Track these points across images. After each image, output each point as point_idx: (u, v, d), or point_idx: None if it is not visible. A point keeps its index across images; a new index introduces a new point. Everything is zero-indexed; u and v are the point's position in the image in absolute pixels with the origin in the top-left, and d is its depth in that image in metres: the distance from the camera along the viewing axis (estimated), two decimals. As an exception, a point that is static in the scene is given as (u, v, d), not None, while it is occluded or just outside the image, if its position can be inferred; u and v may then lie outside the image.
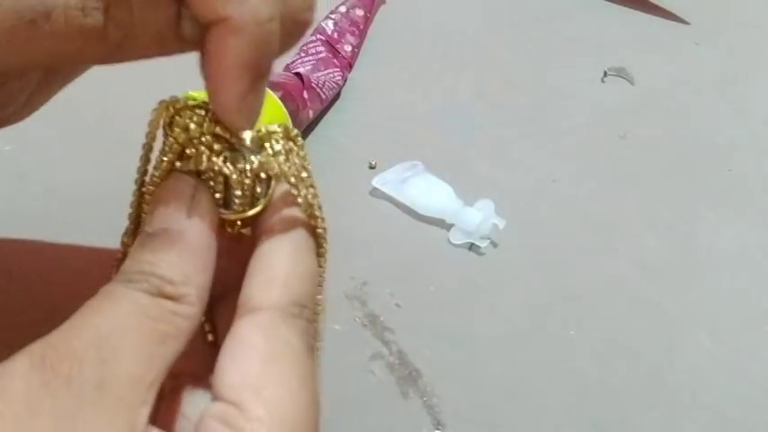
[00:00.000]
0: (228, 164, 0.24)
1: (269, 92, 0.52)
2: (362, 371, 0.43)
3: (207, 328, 0.28)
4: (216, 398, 0.22)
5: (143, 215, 0.25)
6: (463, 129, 0.57)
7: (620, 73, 0.63)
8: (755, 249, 0.52)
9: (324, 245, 0.26)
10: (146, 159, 0.25)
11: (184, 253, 0.23)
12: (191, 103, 0.24)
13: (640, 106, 0.61)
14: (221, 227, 0.25)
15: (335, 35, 0.60)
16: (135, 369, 0.21)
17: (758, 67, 0.65)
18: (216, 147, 0.23)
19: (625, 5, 0.69)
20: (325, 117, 0.57)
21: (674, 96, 0.62)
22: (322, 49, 0.58)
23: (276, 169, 0.24)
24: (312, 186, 0.26)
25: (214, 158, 0.23)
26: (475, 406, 0.42)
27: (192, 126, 0.23)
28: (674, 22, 0.68)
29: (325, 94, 0.56)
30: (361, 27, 0.62)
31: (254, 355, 0.22)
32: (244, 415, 0.21)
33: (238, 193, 0.24)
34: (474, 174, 0.54)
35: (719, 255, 0.51)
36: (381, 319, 0.46)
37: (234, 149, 0.24)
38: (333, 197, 0.52)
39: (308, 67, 0.56)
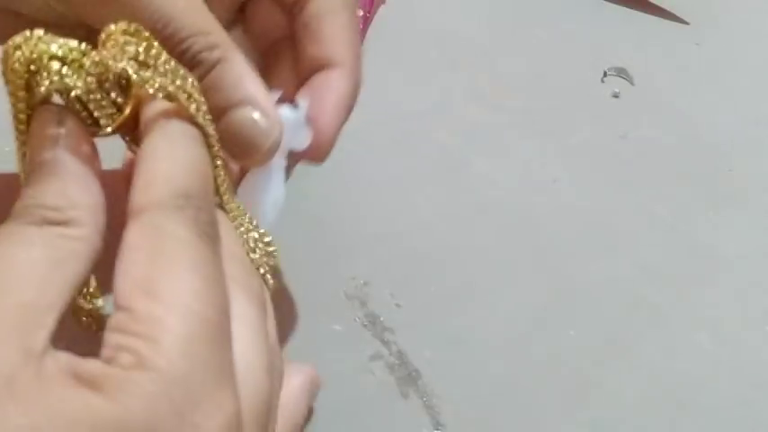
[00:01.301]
0: (69, 77, 0.23)
1: None
2: (362, 371, 0.43)
3: None
4: (114, 308, 0.22)
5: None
6: (463, 128, 0.57)
7: (620, 73, 0.63)
8: (755, 249, 0.52)
9: (210, 133, 0.25)
10: (15, 106, 0.24)
11: (63, 178, 0.22)
12: (24, 34, 0.23)
13: (640, 106, 0.61)
14: (129, 148, 0.25)
15: None
16: (28, 295, 0.21)
17: (758, 67, 0.65)
18: (53, 67, 0.23)
19: (625, 5, 0.69)
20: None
21: (674, 96, 0.62)
22: None
23: (111, 63, 0.23)
24: (172, 72, 0.24)
25: (54, 79, 0.23)
26: (475, 406, 0.42)
27: (26, 55, 0.22)
28: (674, 22, 0.68)
29: None
30: (361, 27, 0.62)
31: (138, 255, 0.22)
32: (134, 317, 0.21)
33: (93, 105, 0.23)
34: (474, 174, 0.54)
35: (719, 255, 0.51)
36: (381, 319, 0.46)
37: (76, 63, 0.23)
38: (332, 196, 0.53)
39: None
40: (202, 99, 0.25)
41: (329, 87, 0.27)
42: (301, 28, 0.28)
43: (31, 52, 0.22)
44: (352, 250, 0.49)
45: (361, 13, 0.62)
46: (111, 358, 0.21)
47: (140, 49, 0.24)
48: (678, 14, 0.68)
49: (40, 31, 0.23)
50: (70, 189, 0.22)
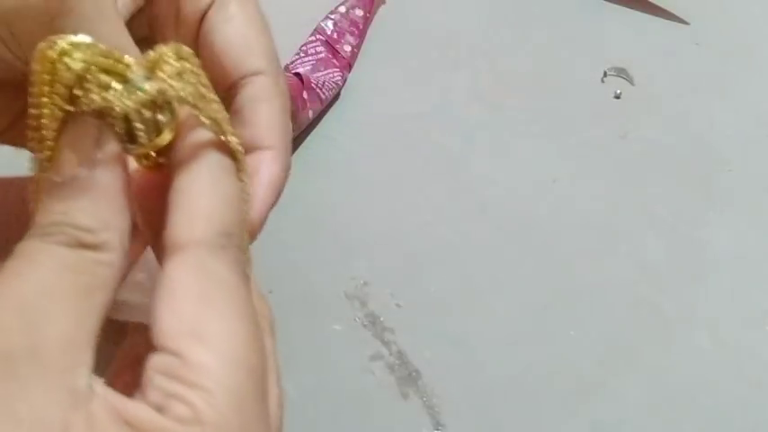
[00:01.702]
0: (122, 97, 0.22)
1: None
2: (362, 371, 0.43)
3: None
4: (156, 348, 0.21)
5: (44, 163, 0.23)
6: (463, 128, 0.57)
7: (620, 73, 0.63)
8: (755, 249, 0.52)
9: (241, 159, 0.24)
10: (38, 106, 0.23)
11: (98, 198, 0.21)
12: (71, 40, 0.22)
13: (640, 106, 0.61)
14: (139, 163, 0.24)
15: (335, 35, 0.60)
16: (65, 329, 0.20)
17: (758, 67, 0.65)
18: (104, 81, 0.22)
19: (625, 5, 0.69)
20: (325, 117, 0.57)
21: (674, 96, 0.62)
22: (322, 49, 0.58)
23: (171, 92, 0.23)
24: (216, 102, 0.24)
25: (104, 94, 0.22)
26: (475, 406, 0.42)
27: (77, 65, 0.22)
28: (674, 22, 0.68)
29: (324, 94, 0.56)
30: (361, 27, 0.62)
31: (186, 296, 0.21)
32: (186, 363, 0.20)
33: (140, 125, 0.23)
34: (474, 174, 0.54)
35: (719, 255, 0.51)
36: (381, 319, 0.46)
37: (125, 81, 0.22)
38: (332, 196, 0.53)
39: (308, 68, 0.56)
40: (234, 130, 0.24)
41: (263, 170, 0.27)
42: (234, 112, 0.28)
43: (84, 62, 0.22)
44: (352, 250, 0.49)
45: (362, 13, 0.63)
46: (163, 407, 0.20)
47: (195, 78, 0.24)
48: (678, 14, 0.68)
49: (87, 38, 0.22)
50: (104, 210, 0.22)
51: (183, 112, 0.24)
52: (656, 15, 0.69)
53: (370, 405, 0.42)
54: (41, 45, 0.22)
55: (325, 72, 0.57)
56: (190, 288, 0.21)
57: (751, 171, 0.57)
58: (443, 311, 0.46)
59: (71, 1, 0.22)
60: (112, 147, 0.22)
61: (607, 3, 0.69)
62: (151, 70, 0.23)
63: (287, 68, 0.57)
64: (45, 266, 0.20)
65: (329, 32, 0.60)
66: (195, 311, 0.21)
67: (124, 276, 0.23)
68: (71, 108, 0.22)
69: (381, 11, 0.66)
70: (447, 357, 0.44)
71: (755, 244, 0.52)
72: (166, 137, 0.23)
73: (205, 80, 0.24)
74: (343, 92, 0.58)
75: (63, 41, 0.22)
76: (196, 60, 0.24)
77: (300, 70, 0.56)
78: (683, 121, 0.60)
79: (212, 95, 0.24)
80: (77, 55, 0.22)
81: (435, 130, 0.57)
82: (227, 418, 0.20)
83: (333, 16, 0.61)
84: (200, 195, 0.23)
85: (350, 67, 0.59)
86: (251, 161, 0.27)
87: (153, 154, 0.24)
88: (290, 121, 0.29)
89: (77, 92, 0.22)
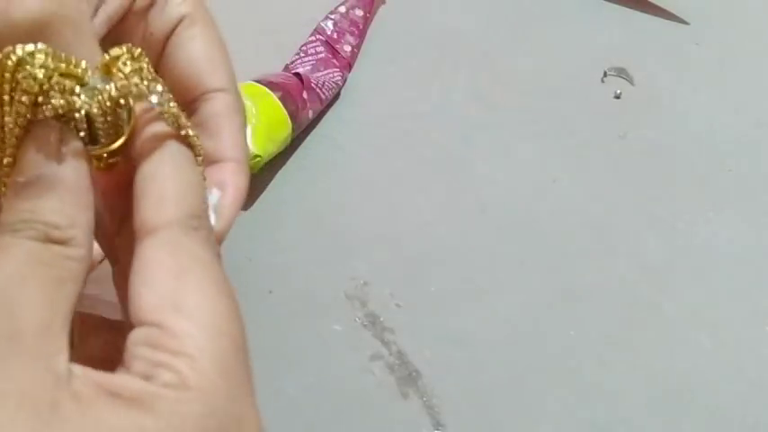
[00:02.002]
0: (85, 99, 0.23)
1: (268, 92, 0.52)
2: (362, 371, 0.43)
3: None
4: (136, 324, 0.22)
5: (6, 168, 0.24)
6: (463, 128, 0.57)
7: (620, 73, 0.63)
8: (755, 249, 0.52)
9: (199, 151, 0.26)
10: (1, 115, 0.24)
11: (64, 196, 0.22)
12: (28, 48, 0.23)
13: (640, 106, 0.61)
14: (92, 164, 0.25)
15: (335, 35, 0.60)
16: (42, 315, 0.21)
17: (758, 67, 0.65)
18: (68, 85, 0.23)
19: (625, 5, 0.69)
20: (325, 117, 0.57)
21: (674, 96, 0.62)
22: (322, 49, 0.58)
23: (134, 90, 0.24)
24: (172, 100, 0.25)
25: (68, 97, 0.23)
26: (475, 406, 0.42)
27: (39, 72, 0.22)
28: (674, 22, 0.68)
29: (324, 94, 0.56)
30: (361, 27, 0.62)
31: (164, 272, 0.22)
32: (168, 333, 0.21)
33: (102, 125, 0.24)
34: (474, 174, 0.54)
35: (719, 255, 0.51)
36: (381, 319, 0.46)
37: (84, 83, 0.23)
38: (332, 196, 0.53)
39: (308, 68, 0.56)
40: (189, 122, 0.25)
41: (229, 181, 0.29)
42: (197, 125, 0.30)
43: (44, 69, 0.22)
44: (352, 250, 0.49)
45: (362, 13, 0.63)
46: (149, 375, 0.21)
47: (150, 75, 0.25)
48: (678, 14, 0.68)
49: (43, 46, 0.23)
50: (70, 208, 0.22)
51: (138, 108, 0.24)
52: (656, 15, 0.69)
53: (370, 405, 0.42)
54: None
55: (326, 72, 0.57)
56: (166, 264, 0.22)
57: (751, 171, 0.57)
58: (443, 311, 0.46)
59: (54, 24, 0.23)
60: (76, 145, 0.23)
61: (607, 3, 0.69)
62: (108, 72, 0.24)
63: (287, 68, 0.57)
64: (17, 258, 0.21)
65: (329, 32, 0.60)
66: (173, 285, 0.22)
67: (90, 271, 0.23)
68: (34, 116, 0.23)
69: (381, 11, 0.66)
70: (447, 357, 0.44)
71: (755, 244, 0.52)
72: (126, 135, 0.24)
73: (158, 78, 0.25)
74: (342, 92, 0.58)
75: (20, 50, 0.22)
76: (146, 57, 0.25)
77: (300, 70, 0.56)
78: (683, 121, 0.60)
79: (167, 90, 0.25)
80: (38, 61, 0.22)
81: (435, 130, 0.57)
82: (213, 383, 0.21)
83: (333, 16, 0.61)
84: (166, 180, 0.23)
85: (350, 67, 0.59)
86: (216, 172, 0.28)
87: (105, 155, 0.25)
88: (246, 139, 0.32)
89: (40, 98, 0.23)
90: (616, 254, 0.50)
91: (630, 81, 0.63)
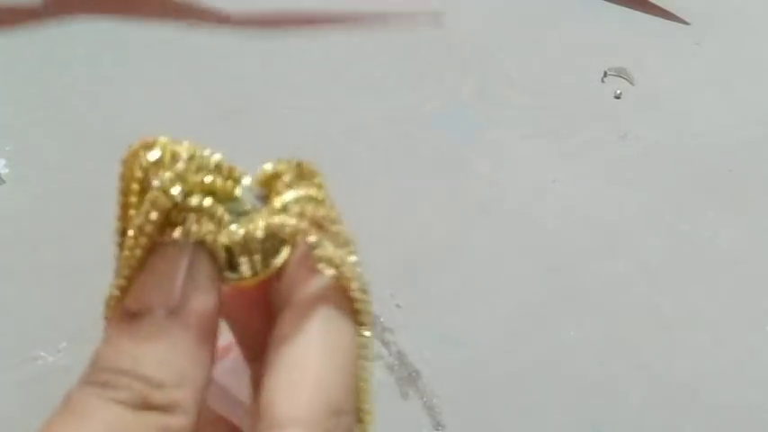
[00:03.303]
0: (227, 227, 0.18)
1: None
2: (362, 371, 0.43)
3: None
4: None
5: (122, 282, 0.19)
6: (463, 128, 0.57)
7: (620, 73, 0.63)
8: (755, 249, 0.52)
9: (366, 321, 0.19)
10: (125, 219, 0.19)
11: (177, 343, 0.17)
12: (169, 148, 0.18)
13: (640, 106, 0.61)
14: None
15: None
16: None
17: (758, 67, 0.65)
18: (207, 205, 0.18)
19: (625, 5, 0.69)
20: (325, 116, 0.57)
21: (674, 96, 0.62)
22: None
23: (289, 230, 0.19)
24: (346, 244, 0.20)
25: (207, 227, 0.18)
26: (475, 406, 0.42)
27: (176, 192, 0.18)
28: (674, 22, 0.68)
29: None
30: None
31: None
32: None
33: (244, 258, 0.18)
34: (474, 174, 0.54)
35: (719, 255, 0.51)
36: (381, 319, 0.46)
37: (230, 198, 0.18)
38: (332, 196, 0.53)
39: None
40: (359, 272, 0.20)
41: None
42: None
43: (181, 180, 0.18)
44: (352, 250, 0.49)
45: None
46: None
47: (316, 204, 0.19)
48: (678, 14, 0.68)
49: (187, 146, 0.18)
50: (184, 359, 0.17)
51: (300, 247, 0.19)
52: (656, 15, 0.69)
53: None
54: (133, 147, 0.18)
55: None
56: None
57: (751, 171, 0.57)
58: (443, 311, 0.46)
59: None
60: (206, 278, 0.18)
61: (607, 3, 0.69)
62: (265, 186, 0.19)
63: None
64: (94, 426, 0.17)
65: None
66: None
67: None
68: (161, 236, 0.18)
69: (381, 11, 0.66)
70: (447, 357, 0.44)
71: (755, 244, 0.52)
72: (274, 268, 0.19)
73: (330, 204, 0.20)
74: (343, 91, 0.58)
75: (160, 149, 0.18)
76: (320, 179, 0.20)
77: None
78: (683, 121, 0.60)
79: (342, 232, 0.20)
80: (176, 169, 0.18)
81: (435, 130, 0.57)
82: None
83: None
84: (308, 361, 0.18)
85: None
86: None
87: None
88: None
89: (173, 216, 0.18)
90: (616, 254, 0.50)
91: (630, 81, 0.63)
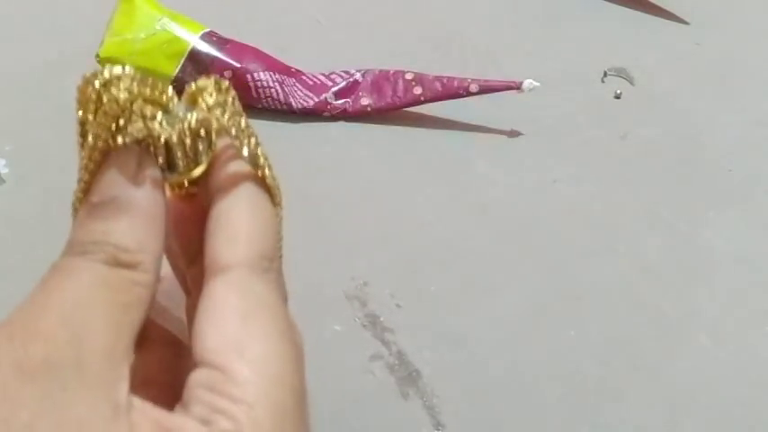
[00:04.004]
0: (165, 126, 0.23)
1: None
2: (362, 371, 0.43)
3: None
4: (198, 363, 0.21)
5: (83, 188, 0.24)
6: (463, 128, 0.57)
7: (620, 73, 0.63)
8: (755, 249, 0.52)
9: (277, 194, 0.25)
10: (84, 134, 0.24)
11: (136, 220, 0.22)
12: (115, 72, 0.22)
13: (640, 106, 0.61)
14: (170, 191, 0.25)
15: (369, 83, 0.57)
16: (107, 342, 0.20)
17: (758, 67, 0.65)
18: (149, 111, 0.23)
19: (625, 5, 0.69)
20: (325, 118, 0.57)
21: (673, 96, 0.62)
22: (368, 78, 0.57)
23: (215, 124, 0.24)
24: (253, 136, 0.25)
25: (149, 123, 0.23)
26: (475, 406, 0.42)
27: (122, 95, 0.22)
28: (674, 22, 0.68)
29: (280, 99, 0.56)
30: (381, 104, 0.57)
31: (231, 314, 0.22)
32: (230, 378, 0.21)
33: (180, 154, 0.24)
34: (474, 173, 0.54)
35: (719, 255, 0.51)
36: (381, 319, 0.46)
37: (167, 111, 0.23)
38: (332, 196, 0.53)
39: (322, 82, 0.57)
40: (269, 162, 0.25)
41: None
42: None
43: (127, 92, 0.22)
44: (352, 250, 0.49)
45: (367, 101, 0.62)
46: (208, 421, 0.20)
47: (233, 109, 0.24)
48: (678, 14, 0.68)
49: (130, 70, 0.23)
50: (142, 232, 0.22)
51: (220, 143, 0.24)
52: (656, 15, 0.69)
53: (370, 405, 0.42)
54: (87, 75, 0.23)
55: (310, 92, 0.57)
56: (234, 306, 0.22)
57: (751, 171, 0.57)
58: (443, 311, 0.46)
59: None
60: (153, 171, 0.23)
61: (607, 3, 0.69)
62: (192, 102, 0.24)
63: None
64: (84, 281, 0.21)
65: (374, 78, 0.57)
66: (239, 329, 0.22)
67: (154, 297, 0.23)
68: (115, 139, 0.23)
69: (381, 10, 0.66)
70: (447, 357, 0.44)
71: (755, 244, 0.52)
72: (204, 166, 0.24)
73: (242, 113, 0.25)
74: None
75: (107, 72, 0.22)
76: (233, 93, 0.25)
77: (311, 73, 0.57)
78: (683, 121, 0.60)
79: (251, 129, 0.25)
80: (122, 85, 0.22)
81: (435, 130, 0.57)
82: None
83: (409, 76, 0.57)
84: (240, 219, 0.23)
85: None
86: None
87: (186, 183, 0.25)
88: None
89: (122, 121, 0.22)
90: (616, 254, 0.50)
91: (630, 81, 0.63)
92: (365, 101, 0.57)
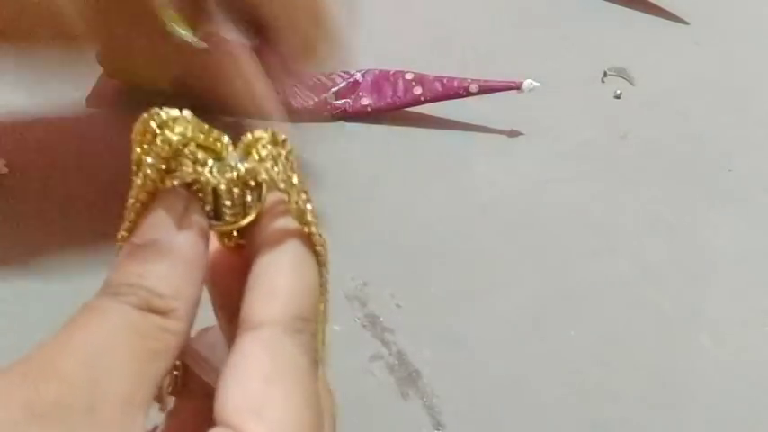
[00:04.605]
0: (215, 173, 0.23)
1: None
2: (362, 372, 0.43)
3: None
4: (216, 420, 0.21)
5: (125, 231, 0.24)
6: (463, 128, 0.57)
7: (620, 73, 0.63)
8: (755, 249, 0.52)
9: (322, 252, 0.25)
10: (137, 174, 0.24)
11: (174, 265, 0.22)
12: (171, 114, 0.23)
13: (640, 106, 0.61)
14: (220, 242, 0.25)
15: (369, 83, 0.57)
16: (125, 389, 0.20)
17: (758, 67, 0.65)
18: (200, 157, 0.23)
19: (625, 5, 0.69)
20: (325, 118, 0.57)
21: (673, 96, 0.62)
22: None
23: (264, 175, 0.24)
24: (304, 192, 0.25)
25: (199, 169, 0.23)
26: (475, 406, 0.42)
27: (175, 138, 0.22)
28: (674, 22, 0.68)
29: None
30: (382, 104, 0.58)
31: (256, 373, 0.21)
32: None
33: (228, 203, 0.24)
34: (474, 173, 0.54)
35: (719, 255, 0.51)
36: (381, 319, 0.46)
37: (220, 158, 0.23)
38: (332, 196, 0.53)
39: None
40: (317, 222, 0.25)
41: None
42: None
43: (181, 136, 0.22)
44: (351, 250, 0.49)
45: (367, 102, 0.62)
46: None
47: (286, 163, 0.24)
48: (678, 14, 0.68)
49: (187, 113, 0.23)
50: (178, 279, 0.22)
51: (271, 197, 0.24)
52: (656, 15, 0.69)
53: (370, 405, 0.42)
54: (143, 116, 0.23)
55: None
56: (260, 365, 0.22)
57: (751, 171, 0.57)
58: (443, 311, 0.46)
59: None
60: (199, 218, 0.23)
61: (607, 3, 0.69)
62: (246, 152, 0.24)
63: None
64: (112, 324, 0.21)
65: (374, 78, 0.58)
66: (261, 390, 0.21)
67: (183, 347, 0.23)
68: (164, 181, 0.23)
69: (381, 10, 0.66)
70: (447, 357, 0.44)
71: (756, 244, 0.52)
72: (250, 217, 0.24)
73: (297, 168, 0.25)
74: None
75: (164, 114, 0.23)
76: (290, 146, 0.25)
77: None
78: (683, 121, 0.60)
79: (303, 184, 0.25)
80: (177, 128, 0.22)
81: (435, 130, 0.57)
82: None
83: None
84: (280, 276, 0.23)
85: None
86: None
87: (234, 234, 0.25)
88: None
89: (173, 164, 0.23)
90: (616, 254, 0.50)
91: (630, 81, 0.63)
92: (365, 101, 0.57)
